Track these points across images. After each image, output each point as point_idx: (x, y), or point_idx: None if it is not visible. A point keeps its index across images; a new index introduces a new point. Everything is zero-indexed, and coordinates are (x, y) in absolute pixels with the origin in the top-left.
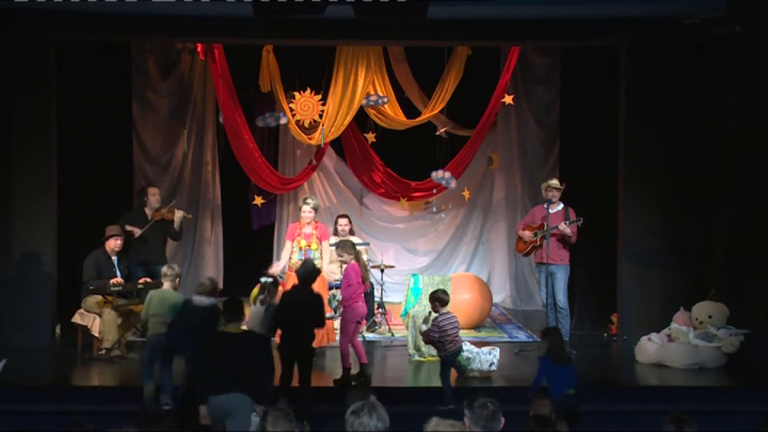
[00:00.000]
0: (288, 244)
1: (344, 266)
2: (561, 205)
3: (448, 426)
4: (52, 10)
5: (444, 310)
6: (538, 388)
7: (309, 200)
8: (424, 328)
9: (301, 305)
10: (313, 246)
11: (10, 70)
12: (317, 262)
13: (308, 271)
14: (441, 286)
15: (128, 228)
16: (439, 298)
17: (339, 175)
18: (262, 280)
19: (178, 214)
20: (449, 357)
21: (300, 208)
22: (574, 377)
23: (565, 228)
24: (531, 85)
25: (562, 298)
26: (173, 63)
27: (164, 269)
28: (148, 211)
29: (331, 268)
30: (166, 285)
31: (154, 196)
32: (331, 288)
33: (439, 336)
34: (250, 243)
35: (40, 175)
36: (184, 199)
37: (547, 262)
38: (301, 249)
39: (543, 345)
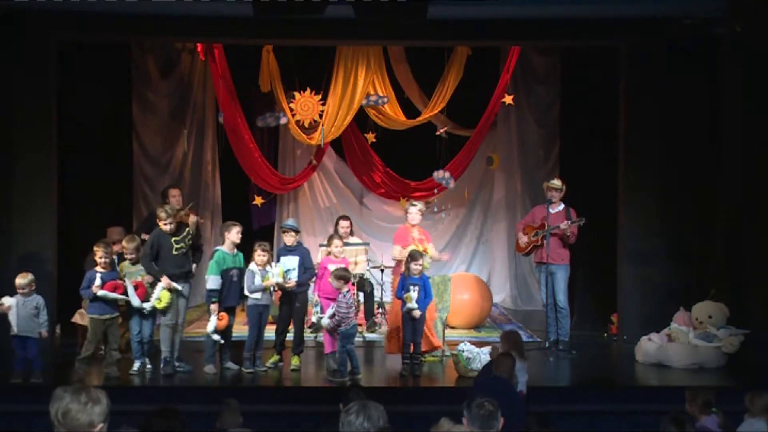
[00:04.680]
0: (397, 249)
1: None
2: (562, 206)
3: (460, 429)
4: (52, 10)
5: (345, 288)
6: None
7: (415, 202)
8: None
9: None
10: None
11: (11, 70)
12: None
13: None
14: (441, 287)
15: (143, 237)
16: (343, 276)
17: (339, 175)
18: None
19: (192, 219)
20: (352, 330)
21: (407, 211)
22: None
23: (566, 227)
24: (531, 85)
25: (562, 298)
26: (173, 63)
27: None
28: None
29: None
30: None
31: (174, 198)
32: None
33: (347, 311)
34: (250, 243)
35: (40, 175)
36: (184, 199)
37: (548, 262)
38: None
39: (407, 265)
